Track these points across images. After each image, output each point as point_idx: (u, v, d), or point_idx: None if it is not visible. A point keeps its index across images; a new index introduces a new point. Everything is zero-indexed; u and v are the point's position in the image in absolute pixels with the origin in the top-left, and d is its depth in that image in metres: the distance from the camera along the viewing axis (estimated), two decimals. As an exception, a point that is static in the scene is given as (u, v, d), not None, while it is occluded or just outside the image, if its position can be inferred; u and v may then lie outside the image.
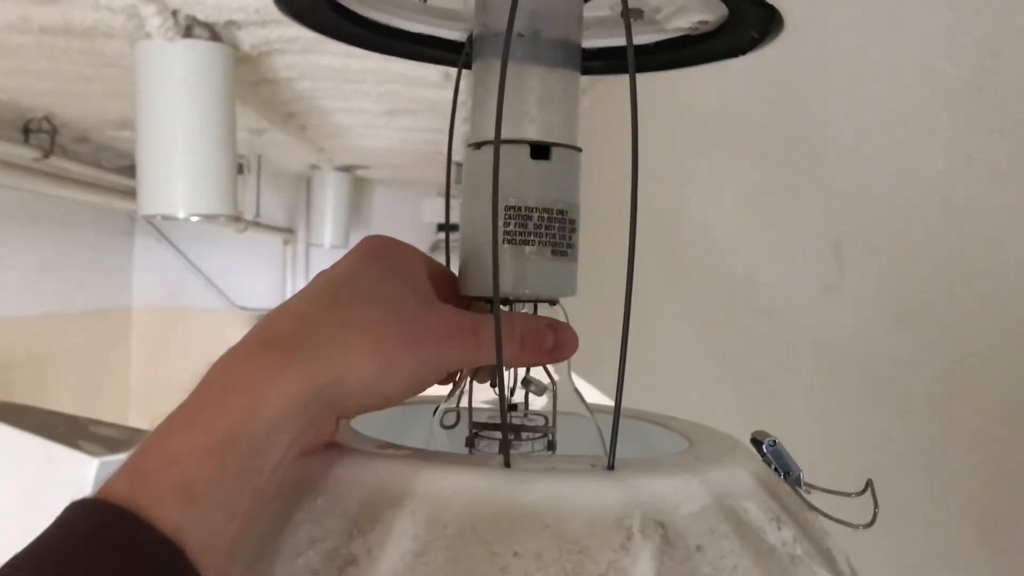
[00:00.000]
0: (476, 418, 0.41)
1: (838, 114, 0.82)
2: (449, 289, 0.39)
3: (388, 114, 2.28)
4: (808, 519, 0.37)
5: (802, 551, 0.34)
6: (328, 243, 3.53)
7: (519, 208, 0.37)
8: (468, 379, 0.41)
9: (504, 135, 0.37)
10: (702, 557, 0.31)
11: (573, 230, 0.38)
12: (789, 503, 0.36)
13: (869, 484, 0.42)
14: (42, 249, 3.21)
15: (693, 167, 1.21)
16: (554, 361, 0.38)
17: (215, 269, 3.90)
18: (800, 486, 0.40)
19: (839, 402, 0.82)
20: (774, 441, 0.40)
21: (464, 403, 0.42)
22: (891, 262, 0.78)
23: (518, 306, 0.40)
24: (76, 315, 3.52)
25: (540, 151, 0.37)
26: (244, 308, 3.95)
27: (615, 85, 1.62)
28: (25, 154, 2.48)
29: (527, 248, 0.37)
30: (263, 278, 3.95)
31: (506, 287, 0.38)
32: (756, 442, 0.40)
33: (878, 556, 0.68)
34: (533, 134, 0.37)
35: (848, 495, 0.42)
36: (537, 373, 0.41)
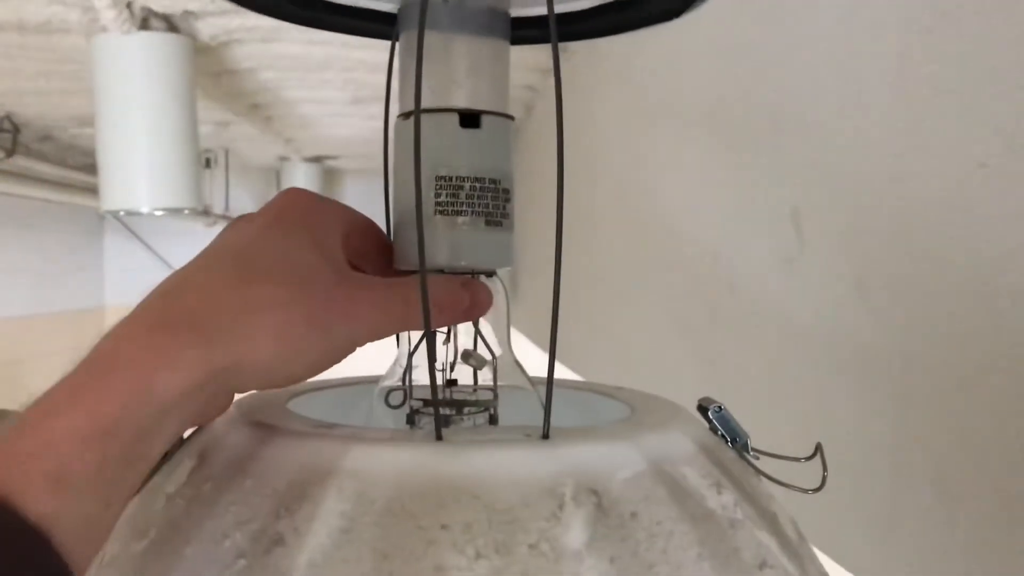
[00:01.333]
0: (417, 395, 0.40)
1: (794, 82, 0.81)
2: (373, 248, 0.38)
3: (354, 102, 2.26)
4: (752, 484, 0.37)
5: (743, 515, 0.33)
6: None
7: (450, 178, 0.36)
8: (409, 355, 0.40)
9: (432, 104, 0.36)
10: (637, 524, 0.30)
11: (507, 200, 0.37)
12: (732, 468, 0.36)
13: (818, 448, 0.41)
14: (12, 251, 3.17)
15: (651, 141, 1.21)
16: (470, 319, 0.38)
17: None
18: (748, 452, 0.40)
19: (801, 372, 0.82)
20: (720, 407, 0.39)
21: (407, 380, 0.41)
22: (849, 230, 0.78)
23: (454, 279, 0.39)
24: (50, 316, 3.48)
25: (469, 119, 0.36)
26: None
27: (580, 64, 1.61)
28: (-13, 154, 2.44)
29: (460, 219, 0.37)
30: (237, 273, 3.91)
31: (440, 259, 0.37)
32: (702, 408, 0.40)
33: (840, 521, 0.68)
34: (462, 102, 0.37)
35: (797, 460, 0.42)
36: (478, 348, 0.40)
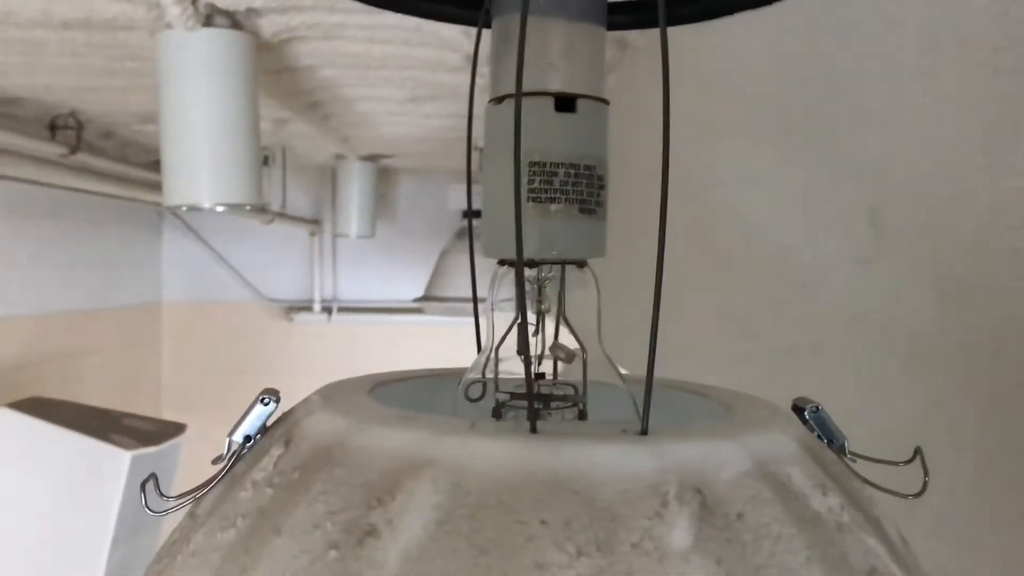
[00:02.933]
0: (502, 388, 0.39)
1: (872, 76, 0.79)
2: None
3: (411, 100, 2.27)
4: (855, 487, 0.35)
5: (849, 519, 0.32)
6: (354, 233, 3.52)
7: (544, 164, 0.35)
8: (493, 348, 0.39)
9: (526, 88, 0.35)
10: (743, 525, 0.29)
11: (602, 187, 0.36)
12: (834, 471, 0.34)
13: (918, 452, 0.40)
14: (72, 246, 3.24)
15: (718, 136, 1.19)
16: None
17: (243, 262, 3.91)
18: (845, 455, 0.38)
19: (877, 376, 0.80)
20: (816, 407, 0.38)
21: (490, 373, 0.40)
22: (929, 229, 0.75)
23: (545, 269, 0.38)
24: (107, 310, 3.55)
25: (565, 103, 0.35)
26: (273, 300, 3.96)
27: (642, 59, 1.59)
28: (52, 151, 2.49)
29: (553, 206, 0.36)
30: (291, 270, 3.96)
31: (531, 249, 0.36)
32: (798, 409, 0.38)
33: (928, 527, 0.65)
34: (557, 85, 0.35)
35: (896, 464, 0.40)
36: (565, 341, 0.39)
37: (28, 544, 2.43)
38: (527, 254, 0.36)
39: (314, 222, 3.85)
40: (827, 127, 0.90)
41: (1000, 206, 0.63)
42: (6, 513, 2.43)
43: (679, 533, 0.28)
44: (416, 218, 3.88)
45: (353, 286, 3.95)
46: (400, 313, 3.81)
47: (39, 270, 3.01)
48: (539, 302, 0.38)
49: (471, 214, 0.46)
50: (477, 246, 0.40)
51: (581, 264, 0.37)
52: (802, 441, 0.34)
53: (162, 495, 0.37)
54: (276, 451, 0.34)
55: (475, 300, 0.41)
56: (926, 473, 0.38)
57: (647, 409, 0.31)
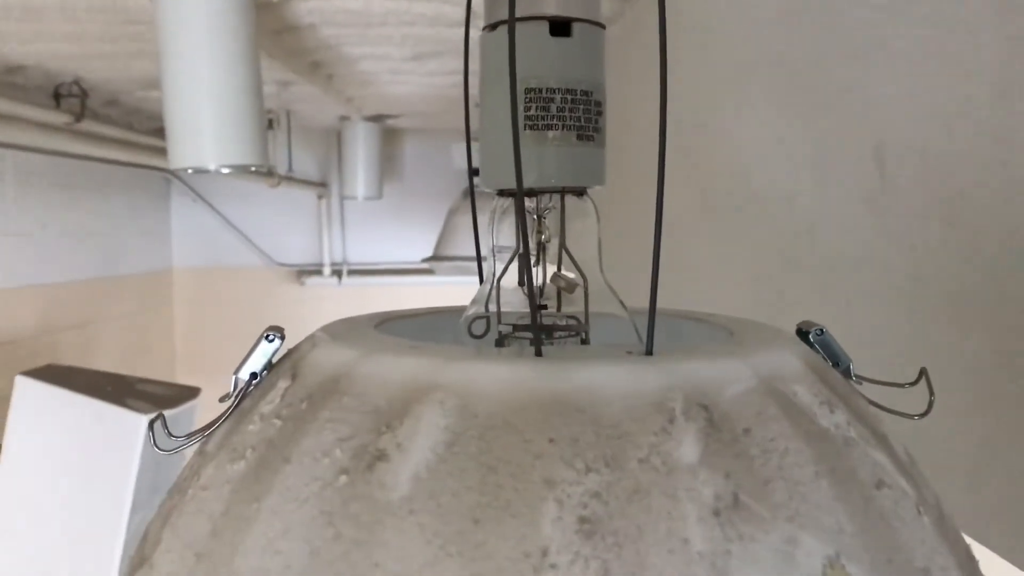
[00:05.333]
0: (504, 321, 0.39)
1: (875, 15, 0.78)
2: None
3: (413, 59, 2.25)
4: (861, 405, 0.35)
5: (856, 434, 0.32)
6: (362, 195, 3.52)
7: (539, 90, 0.35)
8: (496, 279, 0.39)
9: (519, 12, 0.35)
10: (750, 440, 0.29)
11: (599, 113, 0.36)
12: (840, 389, 0.34)
13: (923, 373, 0.40)
14: (81, 215, 3.24)
15: (725, 85, 1.17)
16: None
17: (252, 227, 3.92)
18: (851, 377, 0.38)
19: (887, 314, 0.79)
20: (821, 330, 0.38)
21: (491, 308, 0.40)
22: (937, 165, 0.74)
23: (544, 198, 0.38)
24: (119, 278, 3.56)
25: (560, 27, 0.35)
26: (283, 264, 3.97)
27: (643, 11, 1.57)
28: (57, 119, 2.48)
29: (550, 133, 0.35)
30: (300, 234, 3.96)
31: (529, 178, 0.36)
32: (802, 332, 0.38)
33: (939, 449, 0.66)
34: (551, 9, 0.35)
35: (901, 386, 0.40)
36: (567, 271, 0.39)
37: (47, 511, 2.46)
38: (525, 184, 0.36)
39: (321, 185, 3.84)
40: (830, 69, 0.89)
41: (1008, 139, 0.62)
42: (25, 480, 2.46)
43: (686, 448, 0.28)
44: (423, 178, 3.87)
45: (362, 248, 3.96)
46: (410, 274, 3.81)
47: (50, 240, 3.02)
48: (539, 232, 0.38)
49: (471, 172, 0.46)
50: (477, 180, 0.40)
51: (580, 193, 0.37)
52: (807, 361, 0.34)
53: (170, 435, 0.37)
54: (283, 384, 0.34)
55: (476, 229, 0.41)
56: (931, 393, 0.38)
57: (651, 329, 0.31)
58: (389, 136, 3.71)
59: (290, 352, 0.37)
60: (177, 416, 2.50)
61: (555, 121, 0.35)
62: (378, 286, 3.85)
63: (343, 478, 0.29)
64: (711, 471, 0.28)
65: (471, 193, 0.44)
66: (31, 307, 2.98)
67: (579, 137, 0.35)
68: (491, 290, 0.40)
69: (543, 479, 0.27)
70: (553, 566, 0.26)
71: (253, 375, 0.36)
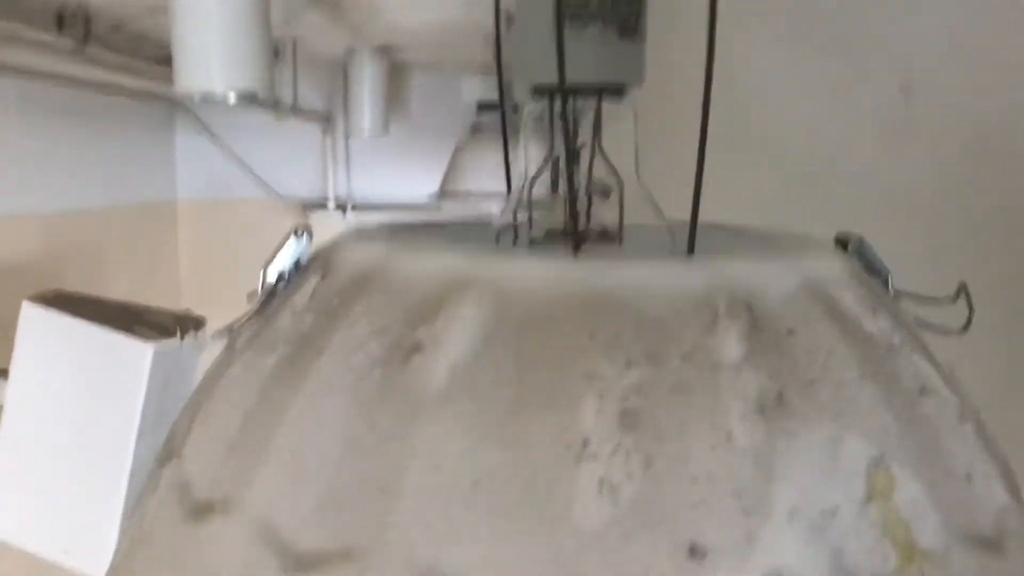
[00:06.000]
0: (534, 231, 0.38)
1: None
2: None
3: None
4: (902, 313, 0.34)
5: (900, 341, 0.31)
6: (367, 131, 3.48)
7: (582, -18, 0.34)
8: (528, 182, 0.38)
9: (564, -100, 0.33)
10: (794, 341, 0.28)
11: (641, 5, 0.35)
12: (882, 297, 0.34)
13: (963, 288, 0.39)
14: (86, 145, 3.21)
15: (747, 14, 1.15)
16: None
17: (256, 161, 3.88)
18: (889, 288, 0.38)
19: (908, 242, 0.78)
20: (860, 240, 0.37)
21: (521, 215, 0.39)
22: (962, 95, 0.73)
23: (580, 99, 0.36)
24: (123, 209, 3.54)
25: (604, -84, 0.33)
26: (288, 198, 3.95)
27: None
28: (60, 44, 2.44)
29: (590, 28, 0.34)
30: (304, 168, 3.93)
31: (567, 74, 0.35)
32: (841, 242, 0.37)
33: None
34: None
35: (939, 301, 0.39)
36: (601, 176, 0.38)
37: (55, 438, 2.48)
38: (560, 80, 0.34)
39: (326, 120, 3.80)
40: (857, 4, 0.87)
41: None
42: (32, 407, 2.47)
43: (730, 346, 0.27)
44: (430, 115, 3.82)
45: (368, 184, 3.93)
46: (416, 211, 3.79)
47: (53, 167, 3.00)
48: (575, 134, 0.36)
49: (499, 43, 0.45)
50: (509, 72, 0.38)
51: (620, 91, 0.36)
52: (849, 268, 0.33)
53: (196, 336, 0.36)
54: (313, 280, 0.33)
55: (505, 135, 0.40)
56: (970, 308, 0.37)
57: (694, 228, 0.31)
58: (396, 73, 3.66)
59: (319, 251, 0.36)
60: (184, 345, 2.51)
61: (595, 14, 0.34)
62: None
63: (378, 370, 0.28)
64: (755, 370, 0.27)
65: (503, 129, 0.43)
66: (35, 235, 2.97)
67: (621, 33, 0.34)
68: (522, 196, 0.39)
69: (583, 372, 0.27)
70: (594, 456, 0.25)
71: (281, 273, 0.35)
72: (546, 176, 0.40)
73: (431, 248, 0.32)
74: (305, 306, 0.32)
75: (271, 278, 0.36)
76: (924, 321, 0.37)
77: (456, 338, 0.28)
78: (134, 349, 2.57)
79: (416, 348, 0.28)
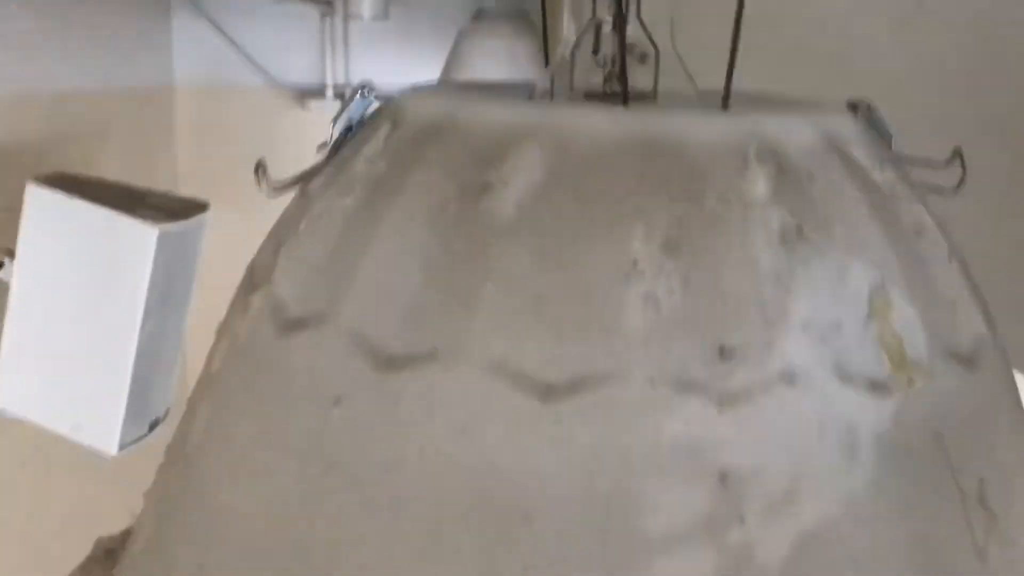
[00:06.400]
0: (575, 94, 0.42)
1: None
2: None
3: None
4: (906, 171, 0.39)
5: (902, 191, 0.36)
6: (367, 15, 3.43)
7: None
8: (573, 46, 0.41)
9: None
10: (814, 185, 0.33)
11: None
12: (888, 154, 0.38)
13: (957, 152, 0.43)
14: (82, 26, 3.17)
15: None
16: None
17: (254, 46, 3.83)
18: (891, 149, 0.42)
19: (916, 133, 0.82)
20: (869, 105, 0.41)
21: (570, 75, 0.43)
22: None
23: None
24: (120, 92, 3.51)
25: None
26: (285, 84, 3.91)
27: None
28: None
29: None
30: (303, 54, 3.88)
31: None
32: (852, 106, 0.41)
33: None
34: None
35: (938, 162, 0.43)
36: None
37: (62, 319, 2.53)
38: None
39: (325, 3, 3.74)
40: None
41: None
42: (39, 288, 2.52)
43: (758, 187, 0.32)
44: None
45: (367, 72, 3.89)
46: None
47: (47, 46, 2.97)
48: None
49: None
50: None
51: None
52: (860, 127, 0.38)
53: (269, 184, 0.40)
54: (384, 131, 0.37)
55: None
56: (964, 169, 0.42)
57: (729, 82, 0.35)
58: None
59: (385, 105, 0.40)
60: (187, 228, 2.54)
61: None
62: (381, 111, 3.81)
63: (453, 205, 0.33)
64: (779, 207, 0.32)
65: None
66: (35, 118, 2.97)
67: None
68: (563, 60, 0.42)
69: (634, 207, 0.31)
70: (641, 275, 0.30)
71: (349, 127, 0.39)
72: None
73: (493, 100, 0.36)
74: (378, 154, 0.36)
75: (338, 132, 0.40)
76: (922, 180, 0.41)
77: (522, 179, 0.32)
78: (139, 231, 2.60)
79: (486, 187, 0.33)
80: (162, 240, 2.50)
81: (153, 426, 2.37)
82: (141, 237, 2.48)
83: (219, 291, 0.53)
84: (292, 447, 0.32)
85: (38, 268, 2.49)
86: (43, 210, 2.45)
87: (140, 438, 2.37)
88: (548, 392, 0.29)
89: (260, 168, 0.40)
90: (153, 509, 0.40)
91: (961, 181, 0.42)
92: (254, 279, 0.39)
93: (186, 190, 3.98)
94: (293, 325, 0.34)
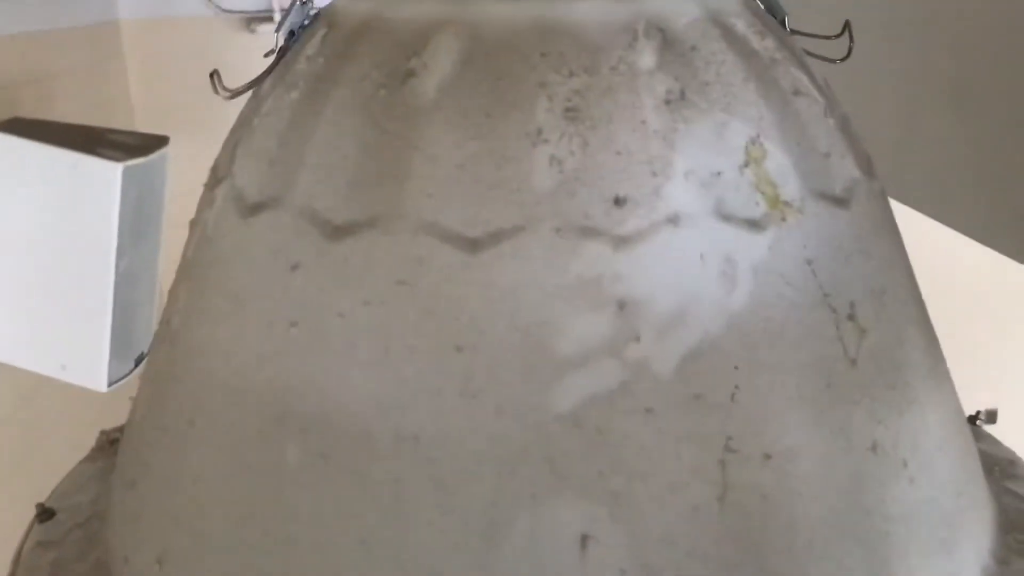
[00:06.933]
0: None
1: None
2: None
3: None
4: (789, 40, 0.43)
5: (782, 57, 0.40)
6: (313, -65, 3.37)
7: None
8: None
9: None
10: (696, 55, 0.38)
11: None
12: (771, 26, 0.43)
13: (847, 25, 0.48)
14: (20, -39, 3.09)
15: None
16: None
17: (199, -28, 3.75)
18: (785, 28, 0.46)
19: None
20: (761, -16, 0.45)
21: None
22: None
23: None
24: (63, 31, 3.45)
25: None
26: (232, 11, 3.86)
27: None
28: None
29: None
30: (249, -21, 3.81)
31: None
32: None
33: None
34: None
35: (827, 37, 0.48)
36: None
37: (36, 262, 2.54)
38: None
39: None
40: None
41: None
42: (7, 234, 2.52)
43: (646, 58, 0.37)
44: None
45: (316, -6, 3.84)
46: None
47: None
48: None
49: None
50: None
51: None
52: (745, 3, 0.42)
53: (224, 88, 0.44)
54: (321, 33, 0.42)
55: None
56: (851, 40, 0.47)
57: (620, -29, 0.39)
58: None
59: (322, 10, 0.44)
60: (150, 163, 2.55)
61: None
62: (336, 34, 3.76)
63: (382, 92, 0.37)
64: (665, 74, 0.37)
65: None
66: (-18, 61, 2.91)
67: None
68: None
69: (537, 82, 0.36)
70: (546, 141, 0.35)
71: (291, 32, 0.43)
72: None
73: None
74: (317, 52, 0.41)
75: (282, 38, 0.44)
76: (812, 53, 0.46)
77: (441, 64, 0.37)
78: (103, 169, 2.60)
79: (410, 73, 0.37)
80: (127, 176, 2.51)
81: (139, 361, 2.41)
82: (105, 175, 2.48)
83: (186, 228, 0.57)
84: (260, 310, 0.37)
85: (5, 215, 2.49)
86: (3, 156, 2.44)
87: (129, 373, 2.41)
88: (473, 245, 0.35)
89: (215, 76, 0.44)
90: (146, 386, 0.45)
91: (849, 51, 0.47)
92: (217, 175, 0.43)
93: (142, 125, 3.94)
94: (253, 209, 0.39)
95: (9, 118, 2.74)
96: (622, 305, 0.34)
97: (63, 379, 2.32)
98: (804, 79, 0.41)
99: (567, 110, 0.35)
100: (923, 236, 0.75)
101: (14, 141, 2.54)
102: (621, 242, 0.34)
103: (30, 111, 3.20)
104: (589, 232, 0.34)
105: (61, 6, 3.40)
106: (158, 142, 2.85)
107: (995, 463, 0.51)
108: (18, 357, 2.22)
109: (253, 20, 3.86)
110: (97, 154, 2.59)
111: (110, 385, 2.21)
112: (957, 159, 0.75)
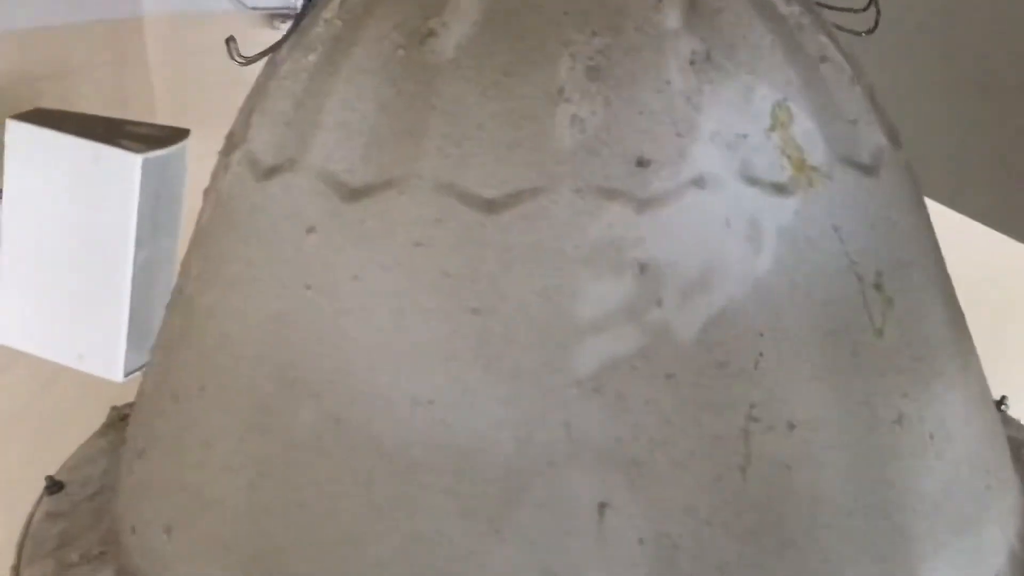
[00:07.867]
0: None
1: None
2: None
3: None
4: (815, 8, 0.42)
5: (808, 22, 0.39)
6: (334, -69, 3.37)
7: None
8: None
9: None
10: (721, 17, 0.37)
11: None
12: (798, -6, 0.42)
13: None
14: (43, -45, 3.11)
15: None
16: None
17: (221, -31, 3.77)
18: (810, -3, 0.45)
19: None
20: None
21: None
22: None
23: None
24: (87, 25, 3.47)
25: None
26: (256, 8, 3.87)
27: None
28: None
29: None
30: (271, -24, 3.83)
31: None
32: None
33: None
34: None
35: (854, 11, 0.47)
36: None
37: (53, 253, 2.56)
38: None
39: (290, -79, 3.67)
40: None
41: None
42: (28, 223, 2.53)
43: (671, 19, 0.36)
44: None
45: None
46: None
47: (15, -18, 2.93)
48: None
49: None
50: None
51: None
52: (773, -32, 0.41)
53: (240, 55, 0.44)
54: (338, -3, 0.41)
55: None
56: (878, 11, 0.46)
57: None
58: None
59: (339, -25, 0.43)
60: (170, 155, 2.56)
61: None
62: (355, 30, 3.77)
63: (400, 52, 0.37)
64: (690, 35, 0.36)
65: None
66: (3, 57, 2.94)
67: None
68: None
69: (560, 40, 0.35)
70: (568, 100, 0.34)
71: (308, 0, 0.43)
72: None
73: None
74: (335, 16, 0.40)
75: (300, 4, 0.43)
76: (837, 25, 0.45)
77: (460, 24, 0.36)
78: (123, 160, 2.61)
79: (429, 33, 0.36)
80: (146, 167, 2.52)
81: (154, 351, 2.40)
82: (126, 166, 2.49)
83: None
84: (274, 273, 0.37)
85: (26, 204, 2.50)
86: (26, 146, 2.45)
87: (145, 364, 2.40)
88: (491, 206, 0.34)
89: (230, 41, 0.43)
90: (157, 355, 0.45)
91: (875, 23, 0.46)
92: (232, 142, 0.43)
93: (163, 119, 3.96)
94: (269, 172, 0.39)
95: (32, 110, 2.75)
96: (644, 268, 0.33)
97: (80, 369, 2.33)
98: (831, 46, 0.40)
99: (590, 69, 0.35)
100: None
101: (35, 131, 2.55)
102: (644, 204, 0.33)
103: (52, 104, 3.21)
104: (611, 193, 0.33)
105: (83, 2, 3.42)
106: (179, 134, 2.86)
107: (1022, 447, 0.49)
108: (36, 346, 2.23)
109: (276, 17, 3.87)
110: (118, 145, 2.60)
111: (126, 375, 2.21)
112: (977, 148, 0.74)
